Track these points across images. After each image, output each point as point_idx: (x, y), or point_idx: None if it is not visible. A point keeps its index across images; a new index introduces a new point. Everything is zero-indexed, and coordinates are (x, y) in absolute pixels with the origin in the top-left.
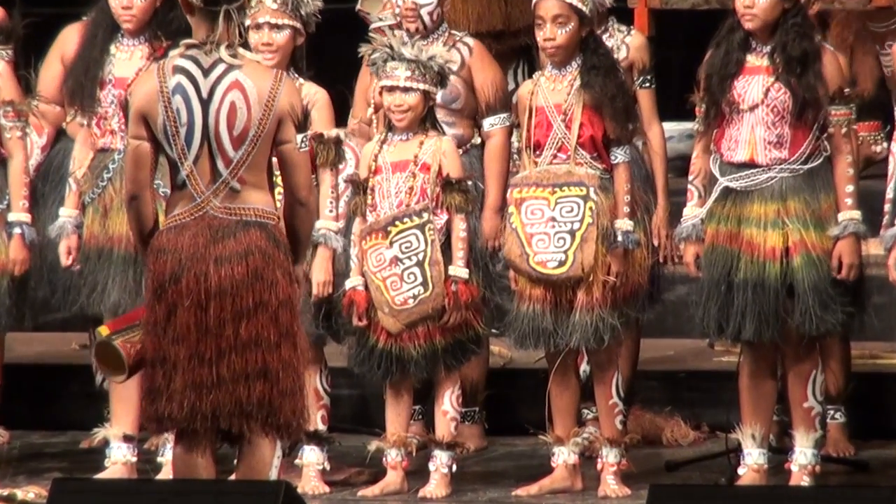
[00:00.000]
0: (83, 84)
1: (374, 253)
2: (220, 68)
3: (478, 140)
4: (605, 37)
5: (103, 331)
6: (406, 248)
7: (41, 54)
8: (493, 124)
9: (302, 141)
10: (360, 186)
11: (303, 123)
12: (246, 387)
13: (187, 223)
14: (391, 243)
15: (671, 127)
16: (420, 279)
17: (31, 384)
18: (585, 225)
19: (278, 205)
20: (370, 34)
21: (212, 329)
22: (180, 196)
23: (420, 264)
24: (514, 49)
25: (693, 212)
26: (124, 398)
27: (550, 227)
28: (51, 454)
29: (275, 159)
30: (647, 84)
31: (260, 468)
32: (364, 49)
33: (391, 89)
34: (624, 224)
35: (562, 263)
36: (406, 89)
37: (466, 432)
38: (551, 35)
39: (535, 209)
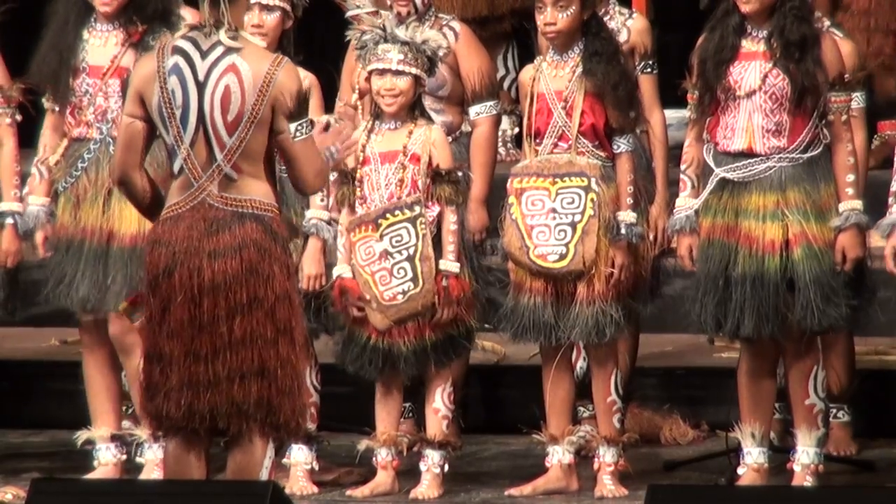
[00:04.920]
0: (57, 73)
1: (363, 246)
2: (218, 51)
3: (467, 128)
4: (605, 19)
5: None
6: (396, 241)
7: (16, 38)
8: (479, 113)
9: (297, 129)
10: (347, 176)
11: (298, 110)
12: (242, 386)
13: (183, 213)
14: (381, 236)
15: (670, 114)
16: (410, 275)
17: (8, 381)
18: (587, 217)
19: None
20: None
21: (206, 325)
22: (178, 185)
23: (410, 259)
24: (501, 34)
25: (686, 202)
26: (104, 397)
27: (551, 218)
28: (29, 454)
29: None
30: (649, 69)
31: (251, 468)
32: (352, 32)
33: (382, 72)
34: (627, 216)
35: (562, 257)
36: (398, 73)
37: None
38: (552, 19)
39: (536, 200)
